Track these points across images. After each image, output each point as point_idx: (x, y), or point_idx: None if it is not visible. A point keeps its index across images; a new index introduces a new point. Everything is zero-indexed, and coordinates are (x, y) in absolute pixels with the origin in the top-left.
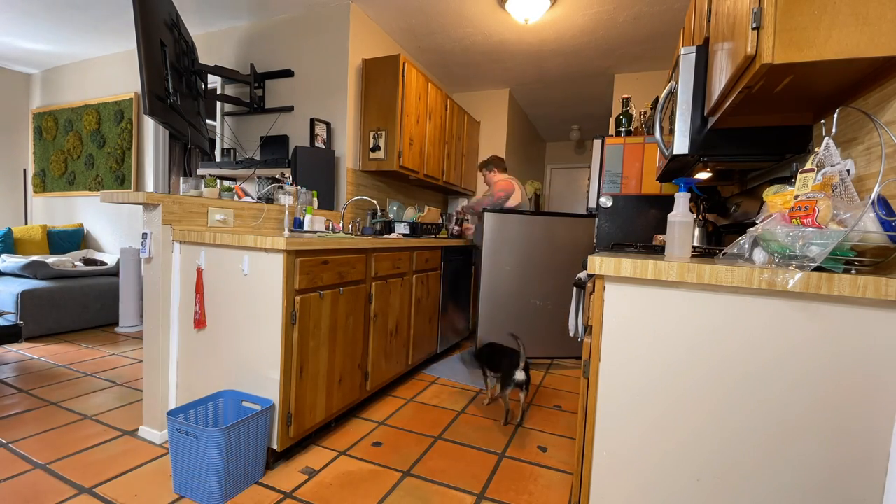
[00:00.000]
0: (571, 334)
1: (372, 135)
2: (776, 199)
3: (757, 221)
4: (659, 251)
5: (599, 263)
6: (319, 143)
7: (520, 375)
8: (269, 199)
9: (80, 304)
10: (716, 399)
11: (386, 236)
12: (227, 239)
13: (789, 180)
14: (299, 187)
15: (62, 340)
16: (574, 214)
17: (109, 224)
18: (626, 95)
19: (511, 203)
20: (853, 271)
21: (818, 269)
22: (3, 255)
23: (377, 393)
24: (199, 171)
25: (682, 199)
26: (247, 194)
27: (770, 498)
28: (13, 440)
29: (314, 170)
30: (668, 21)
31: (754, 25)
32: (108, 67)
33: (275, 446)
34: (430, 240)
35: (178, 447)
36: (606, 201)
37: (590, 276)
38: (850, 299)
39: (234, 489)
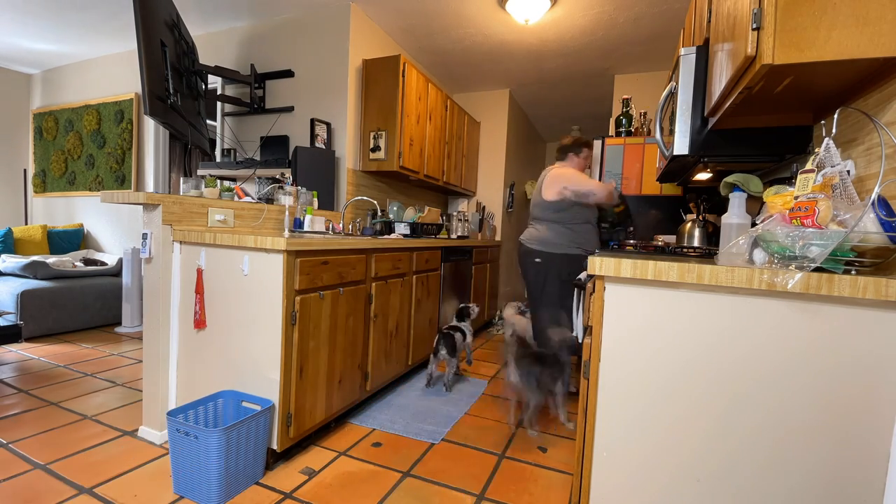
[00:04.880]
0: (573, 335)
1: (372, 135)
2: (776, 199)
3: (757, 222)
4: (659, 251)
5: (600, 264)
6: (320, 144)
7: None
8: (269, 200)
9: (80, 304)
10: (715, 398)
11: (386, 237)
12: (227, 239)
13: (789, 181)
14: (299, 188)
15: (62, 340)
16: None
17: (110, 224)
18: (626, 96)
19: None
20: (853, 272)
21: (818, 269)
22: (4, 255)
23: (377, 393)
24: (200, 172)
25: (737, 200)
26: (247, 195)
27: (770, 498)
28: (13, 440)
29: (314, 170)
30: (669, 22)
31: (754, 26)
32: (109, 67)
33: (275, 447)
34: (431, 240)
35: (178, 447)
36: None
37: (590, 276)
38: (851, 300)
39: (233, 489)
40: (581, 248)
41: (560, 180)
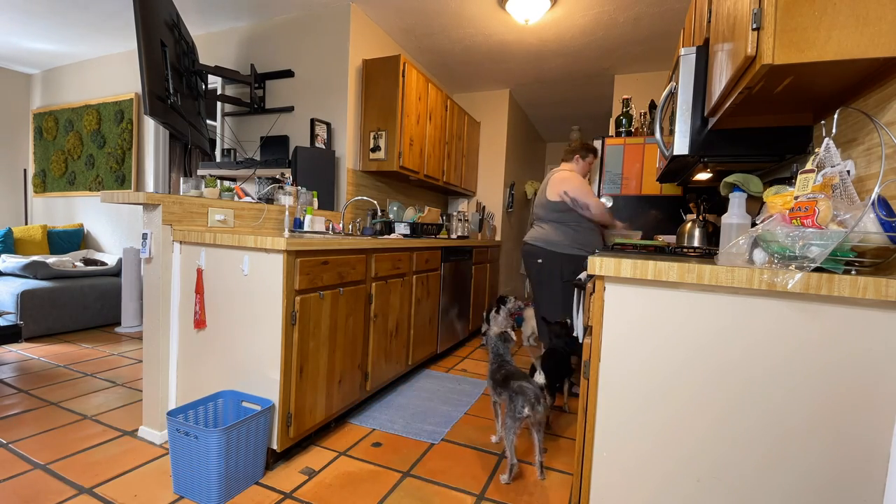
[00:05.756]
0: (574, 335)
1: (372, 135)
2: (776, 199)
3: (757, 222)
4: (659, 251)
5: (599, 264)
6: (320, 144)
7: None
8: (269, 200)
9: (80, 304)
10: (716, 398)
11: (386, 237)
12: (227, 239)
13: (789, 181)
14: (299, 188)
15: (62, 340)
16: None
17: (109, 224)
18: (626, 96)
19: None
20: (853, 272)
21: (818, 269)
22: (4, 255)
23: (377, 393)
24: (200, 172)
25: (737, 200)
26: (247, 194)
27: (770, 497)
28: (13, 440)
29: (314, 170)
30: (669, 22)
31: (754, 26)
32: (109, 67)
33: (275, 447)
34: (431, 240)
35: (177, 447)
36: (606, 202)
37: (590, 276)
38: (851, 300)
39: (234, 489)
40: (583, 248)
41: (563, 184)
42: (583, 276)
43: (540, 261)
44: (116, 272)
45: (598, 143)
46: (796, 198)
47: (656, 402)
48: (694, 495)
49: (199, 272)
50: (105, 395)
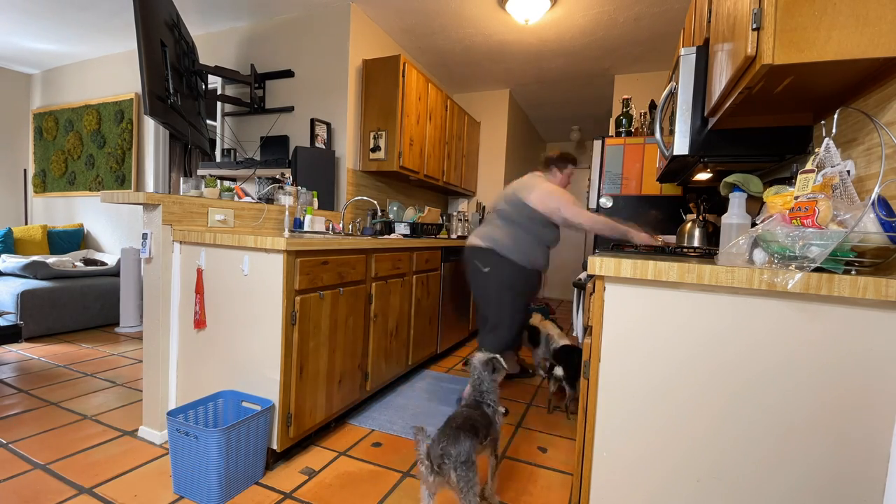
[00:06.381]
0: (575, 335)
1: (372, 135)
2: (776, 199)
3: (757, 222)
4: (659, 251)
5: (599, 264)
6: (320, 144)
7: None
8: (269, 200)
9: (80, 304)
10: (715, 399)
11: (386, 237)
12: (227, 239)
13: (789, 181)
14: (299, 188)
15: (62, 340)
16: None
17: (109, 224)
18: (626, 96)
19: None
20: (853, 272)
21: (818, 269)
22: (4, 255)
23: (377, 393)
24: (200, 172)
25: (737, 200)
26: (247, 194)
27: (770, 497)
28: (13, 440)
29: (314, 170)
30: (669, 22)
31: (754, 26)
32: (109, 67)
33: (275, 447)
34: (431, 240)
35: (177, 448)
36: (607, 202)
37: (590, 276)
38: (851, 300)
39: (233, 489)
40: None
41: (556, 201)
42: (583, 275)
43: (487, 269)
44: (116, 272)
45: (597, 144)
46: (796, 198)
47: (656, 402)
48: (694, 495)
49: (199, 272)
50: (105, 395)
